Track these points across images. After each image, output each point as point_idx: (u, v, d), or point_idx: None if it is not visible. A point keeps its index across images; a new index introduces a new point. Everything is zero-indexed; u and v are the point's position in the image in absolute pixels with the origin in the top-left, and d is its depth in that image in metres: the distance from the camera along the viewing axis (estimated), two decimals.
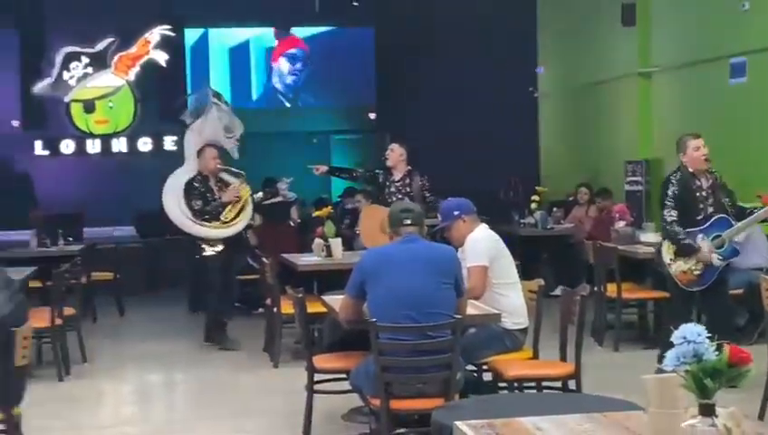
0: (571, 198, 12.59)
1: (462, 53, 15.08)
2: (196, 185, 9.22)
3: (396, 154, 9.21)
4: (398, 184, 9.14)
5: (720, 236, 7.06)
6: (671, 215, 7.09)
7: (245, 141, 9.85)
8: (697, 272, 7.09)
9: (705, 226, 7.08)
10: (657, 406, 2.46)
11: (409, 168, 9.20)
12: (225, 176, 9.44)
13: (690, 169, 7.17)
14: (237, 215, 9.28)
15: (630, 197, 12.29)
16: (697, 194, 7.14)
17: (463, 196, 6.39)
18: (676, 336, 2.36)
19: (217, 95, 10.18)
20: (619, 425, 2.74)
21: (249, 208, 9.42)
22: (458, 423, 2.76)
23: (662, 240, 7.41)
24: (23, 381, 4.95)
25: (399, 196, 8.90)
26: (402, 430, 4.34)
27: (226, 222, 9.23)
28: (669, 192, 7.11)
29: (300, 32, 17.10)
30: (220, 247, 9.21)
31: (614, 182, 12.50)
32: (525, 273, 6.70)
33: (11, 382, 4.72)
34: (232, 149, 9.63)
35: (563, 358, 5.68)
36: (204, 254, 9.20)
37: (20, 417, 4.90)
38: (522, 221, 11.98)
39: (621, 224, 9.47)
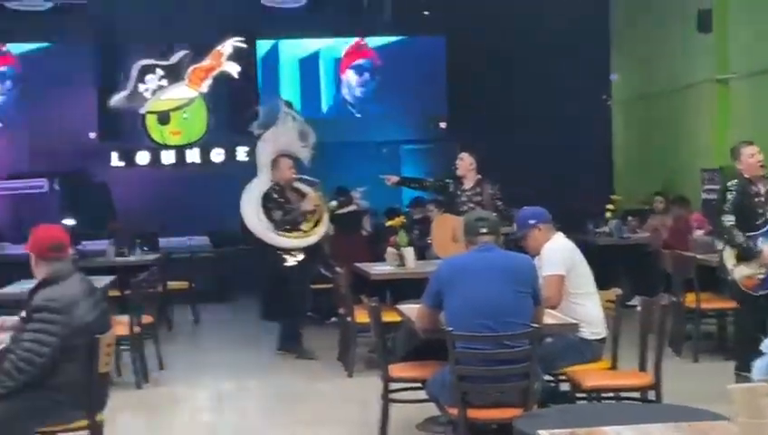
0: (647, 207, 12.43)
1: (534, 60, 15.00)
2: (275, 196, 9.29)
3: (466, 163, 9.21)
4: (468, 193, 9.12)
5: None
6: (729, 220, 7.24)
7: (316, 151, 9.91)
8: (761, 276, 7.15)
9: (765, 229, 7.14)
10: (746, 416, 2.41)
11: (479, 176, 9.20)
12: (300, 185, 9.51)
13: (746, 176, 7.30)
14: (316, 224, 9.36)
15: (707, 205, 12.07)
16: (755, 199, 7.27)
17: (535, 205, 6.36)
18: (764, 345, 2.32)
19: (289, 105, 10.27)
20: None
21: (326, 217, 9.50)
22: (542, 432, 2.74)
23: (723, 247, 7.47)
24: (105, 388, 5.06)
25: (470, 205, 8.87)
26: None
27: (306, 231, 9.31)
28: (728, 198, 7.25)
29: (371, 41, 17.14)
30: (301, 257, 9.29)
31: (691, 190, 12.32)
32: (601, 282, 6.64)
33: (95, 389, 4.81)
34: (306, 157, 9.70)
35: (642, 368, 5.60)
36: (285, 264, 9.25)
37: (103, 423, 5.00)
38: (596, 230, 11.86)
39: (699, 233, 9.34)
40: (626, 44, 15.43)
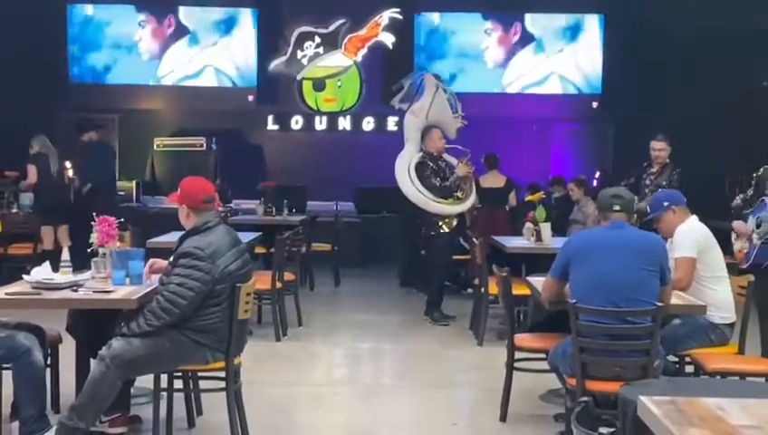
0: None
1: (692, 42, 14.67)
2: (430, 164, 9.55)
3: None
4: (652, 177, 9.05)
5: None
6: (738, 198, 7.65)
7: (464, 125, 10.04)
8: (745, 250, 7.24)
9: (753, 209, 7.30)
10: None
11: (667, 161, 9.04)
12: (447, 156, 9.71)
13: None
14: (469, 192, 9.60)
15: None
16: None
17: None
18: None
19: (437, 78, 10.42)
20: None
21: (474, 187, 9.75)
22: (643, 398, 2.84)
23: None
24: (243, 334, 5.37)
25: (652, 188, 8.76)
26: (586, 398, 4.42)
27: (461, 198, 9.55)
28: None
29: (530, 18, 17.07)
30: (455, 223, 9.56)
31: None
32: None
33: (234, 334, 5.12)
34: (454, 130, 9.87)
35: None
36: (440, 231, 9.49)
37: (239, 366, 5.32)
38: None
39: None
40: None
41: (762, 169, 7.52)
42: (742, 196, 7.65)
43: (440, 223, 9.51)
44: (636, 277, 5.02)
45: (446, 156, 9.75)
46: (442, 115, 9.87)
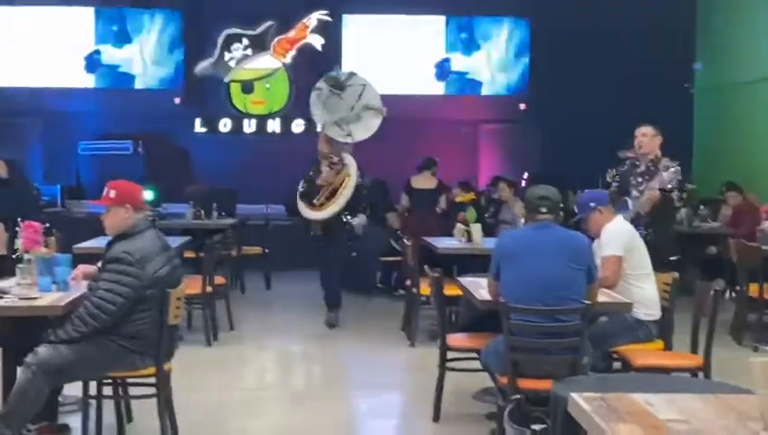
0: (720, 197, 12.37)
1: (617, 45, 14.92)
2: (312, 168, 9.46)
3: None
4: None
5: None
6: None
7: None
8: None
9: None
10: (765, 388, 2.53)
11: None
12: (347, 160, 9.44)
13: None
14: (329, 199, 9.30)
15: None
16: None
17: None
18: None
19: (334, 78, 10.34)
20: (729, 406, 2.81)
21: (345, 196, 9.27)
22: (573, 395, 2.89)
23: None
24: (173, 339, 5.32)
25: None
26: (518, 396, 4.48)
27: (317, 205, 9.32)
28: None
29: (456, 21, 17.19)
30: (319, 232, 9.33)
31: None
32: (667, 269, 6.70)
33: (164, 339, 5.07)
34: (341, 134, 9.77)
35: (694, 351, 5.70)
36: (311, 233, 9.42)
37: (170, 372, 5.27)
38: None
39: (767, 224, 9.30)
40: (710, 34, 15.26)
41: (624, 165, 7.54)
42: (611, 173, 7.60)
43: (309, 226, 9.42)
44: (563, 276, 5.10)
45: (347, 160, 9.44)
46: (332, 118, 9.85)
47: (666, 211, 7.34)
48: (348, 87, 10.16)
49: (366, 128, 10.01)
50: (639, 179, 7.79)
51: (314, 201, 9.33)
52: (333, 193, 9.28)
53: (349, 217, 9.36)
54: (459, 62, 17.15)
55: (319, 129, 9.88)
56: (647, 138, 7.98)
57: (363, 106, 10.01)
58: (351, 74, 10.43)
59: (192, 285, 7.86)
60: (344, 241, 9.55)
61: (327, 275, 9.61)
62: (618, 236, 6.03)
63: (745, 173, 12.97)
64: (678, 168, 7.60)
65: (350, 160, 9.45)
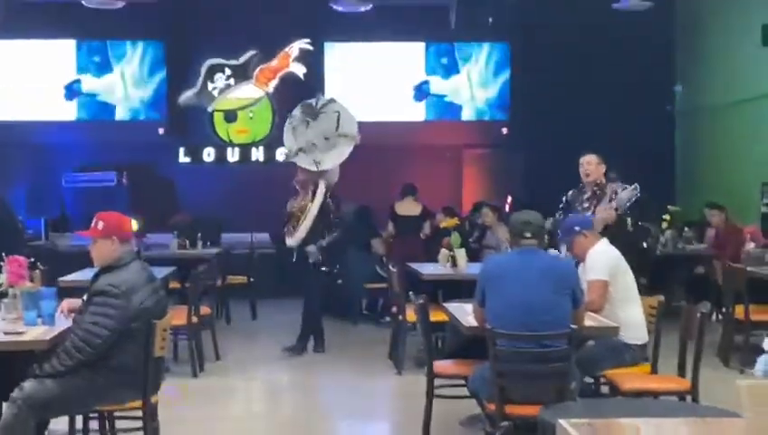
0: (705, 219, 12.42)
1: (598, 69, 15.01)
2: (293, 196, 9.61)
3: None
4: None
5: None
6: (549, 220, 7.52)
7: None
8: None
9: None
10: (752, 411, 2.54)
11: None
12: (321, 188, 9.51)
13: None
14: (294, 226, 9.54)
15: (766, 219, 12.05)
16: None
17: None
18: (766, 343, 2.45)
19: (309, 106, 10.34)
20: (717, 430, 2.83)
21: (305, 223, 9.43)
22: (561, 421, 2.89)
23: None
24: (160, 372, 5.29)
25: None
26: (507, 423, 4.48)
27: (292, 232, 9.55)
28: None
29: (436, 47, 17.27)
30: (293, 258, 9.56)
31: (751, 204, 12.27)
32: (653, 292, 6.72)
33: (150, 371, 5.05)
34: (317, 164, 9.77)
35: (682, 374, 5.70)
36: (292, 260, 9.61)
37: (156, 404, 5.24)
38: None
39: (752, 245, 9.35)
40: (690, 56, 15.38)
41: (570, 192, 7.61)
42: (553, 219, 7.62)
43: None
44: (548, 301, 5.11)
45: (321, 186, 9.51)
46: (300, 142, 9.93)
47: (617, 233, 7.26)
48: (321, 114, 10.17)
49: (338, 154, 10.01)
50: (586, 205, 7.96)
51: (288, 229, 9.54)
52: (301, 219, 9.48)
53: (323, 242, 9.43)
54: (438, 84, 17.21)
55: (284, 156, 9.96)
56: (591, 165, 8.22)
57: (338, 134, 10.02)
58: (330, 101, 10.44)
59: (177, 315, 7.82)
60: (311, 268, 9.58)
61: (305, 303, 9.70)
62: (603, 261, 6.05)
63: (727, 194, 13.05)
64: (637, 186, 7.75)
65: (321, 187, 9.49)
